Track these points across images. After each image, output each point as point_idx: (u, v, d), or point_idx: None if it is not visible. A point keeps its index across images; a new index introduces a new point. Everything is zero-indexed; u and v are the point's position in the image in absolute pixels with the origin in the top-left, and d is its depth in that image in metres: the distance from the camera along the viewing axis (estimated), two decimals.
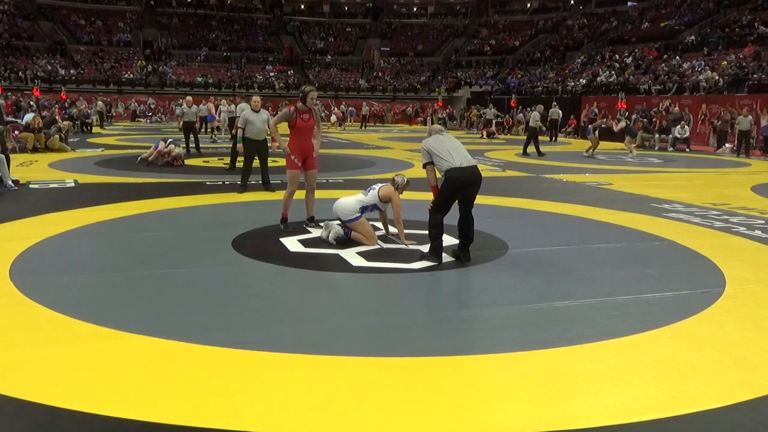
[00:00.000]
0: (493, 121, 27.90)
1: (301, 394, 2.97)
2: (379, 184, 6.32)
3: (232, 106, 17.17)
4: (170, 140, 13.51)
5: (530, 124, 17.28)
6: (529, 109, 26.67)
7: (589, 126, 19.21)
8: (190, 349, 3.46)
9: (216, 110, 21.43)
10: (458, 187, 5.38)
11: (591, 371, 3.28)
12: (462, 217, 5.52)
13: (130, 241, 6.25)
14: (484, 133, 26.99)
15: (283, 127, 6.74)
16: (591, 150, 17.45)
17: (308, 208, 6.86)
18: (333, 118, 33.87)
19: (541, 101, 26.58)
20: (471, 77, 44.68)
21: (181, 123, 16.56)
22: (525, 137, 22.51)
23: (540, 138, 18.14)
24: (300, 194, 6.92)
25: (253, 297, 4.55)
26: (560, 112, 24.47)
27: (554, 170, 13.44)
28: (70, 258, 5.49)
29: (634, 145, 18.02)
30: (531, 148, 17.26)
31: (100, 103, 29.68)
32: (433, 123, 36.13)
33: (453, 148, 5.46)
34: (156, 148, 13.22)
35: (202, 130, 24.08)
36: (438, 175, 5.49)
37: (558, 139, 24.54)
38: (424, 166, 5.55)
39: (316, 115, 6.73)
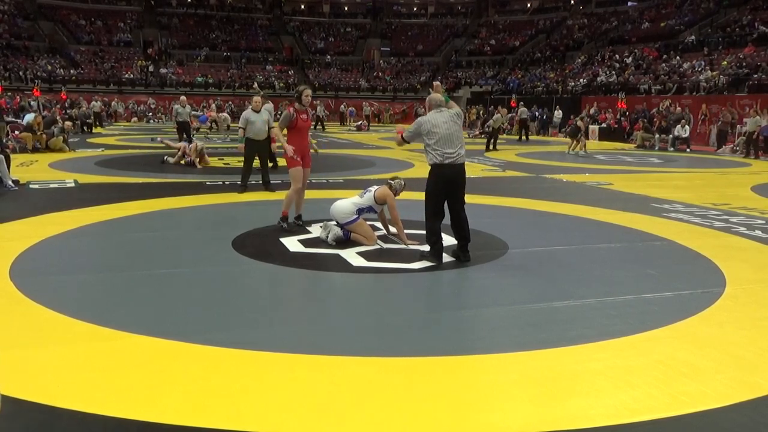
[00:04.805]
0: (478, 122, 28.01)
1: (301, 394, 2.97)
2: (375, 186, 6.29)
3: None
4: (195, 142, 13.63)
5: (492, 124, 19.55)
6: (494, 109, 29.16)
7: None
8: (190, 349, 3.46)
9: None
10: (442, 184, 5.33)
11: (591, 371, 3.28)
12: (453, 216, 5.45)
13: (130, 241, 6.24)
14: (479, 131, 26.96)
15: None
16: (572, 148, 18.69)
17: (297, 206, 6.90)
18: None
19: (541, 101, 27.35)
20: (471, 77, 44.65)
21: (176, 123, 16.56)
22: (517, 137, 24.86)
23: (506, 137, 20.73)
24: None
25: (253, 297, 4.55)
26: (528, 111, 26.25)
27: (554, 170, 13.44)
28: (70, 258, 5.49)
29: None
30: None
31: (96, 103, 29.47)
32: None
33: (444, 136, 5.24)
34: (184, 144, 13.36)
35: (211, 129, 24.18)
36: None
37: (555, 138, 24.73)
38: (404, 141, 5.57)
39: (313, 114, 6.75)
